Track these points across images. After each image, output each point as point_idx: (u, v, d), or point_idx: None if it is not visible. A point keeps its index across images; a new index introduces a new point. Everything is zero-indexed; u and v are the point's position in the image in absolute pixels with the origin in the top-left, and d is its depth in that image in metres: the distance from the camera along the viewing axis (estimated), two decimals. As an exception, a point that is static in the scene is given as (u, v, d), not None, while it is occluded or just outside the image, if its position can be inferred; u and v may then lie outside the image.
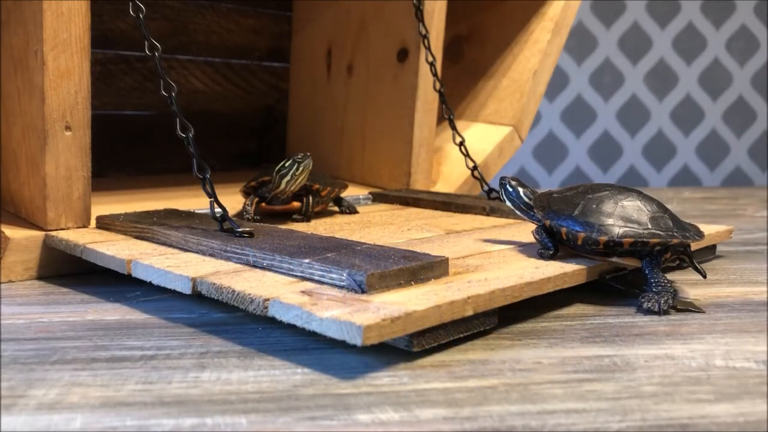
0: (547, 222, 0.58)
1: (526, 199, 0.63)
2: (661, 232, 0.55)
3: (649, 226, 0.55)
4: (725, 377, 0.42)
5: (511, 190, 0.63)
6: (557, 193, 0.60)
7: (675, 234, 0.55)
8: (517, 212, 0.64)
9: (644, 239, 0.54)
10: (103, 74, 0.97)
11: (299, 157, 0.71)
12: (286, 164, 0.71)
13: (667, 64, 1.72)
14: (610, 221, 0.55)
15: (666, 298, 0.54)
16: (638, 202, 0.57)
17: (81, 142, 0.62)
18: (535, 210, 0.60)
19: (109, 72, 0.98)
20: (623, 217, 0.55)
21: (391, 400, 0.38)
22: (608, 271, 0.58)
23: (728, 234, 0.76)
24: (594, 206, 0.56)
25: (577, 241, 0.56)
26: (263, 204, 0.74)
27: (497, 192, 0.73)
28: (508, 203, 0.64)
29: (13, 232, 0.61)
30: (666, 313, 0.54)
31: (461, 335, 0.47)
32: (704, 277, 0.59)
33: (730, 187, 1.69)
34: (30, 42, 0.61)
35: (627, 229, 0.55)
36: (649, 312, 0.55)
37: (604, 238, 0.55)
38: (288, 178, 0.71)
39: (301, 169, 0.71)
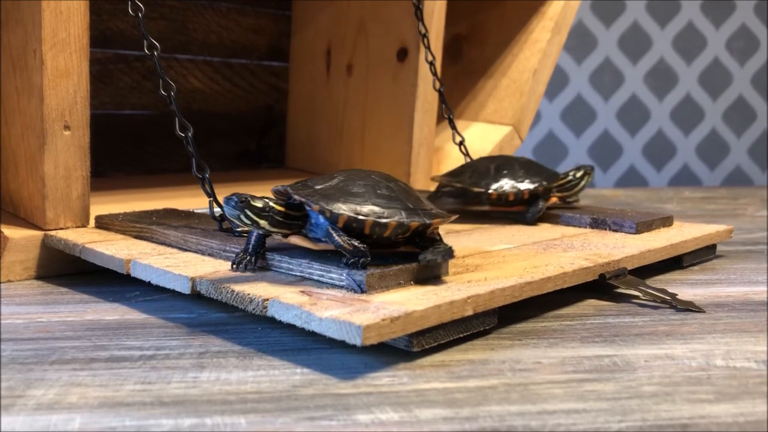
0: (343, 216, 0.48)
1: (280, 208, 0.50)
2: (436, 212, 0.53)
3: (425, 206, 0.53)
4: (725, 377, 0.42)
5: (260, 206, 0.48)
6: (313, 183, 0.52)
7: (434, 213, 0.52)
8: (274, 231, 0.50)
9: (426, 221, 0.51)
10: (102, 74, 0.97)
11: (589, 168, 0.78)
12: (577, 174, 0.77)
13: (667, 63, 1.72)
14: (396, 205, 0.51)
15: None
16: (401, 185, 0.54)
17: (80, 141, 0.62)
18: (318, 206, 0.49)
19: (108, 71, 0.97)
20: (398, 200, 0.52)
21: (390, 401, 0.38)
22: (608, 271, 0.58)
23: (728, 234, 0.76)
24: (369, 191, 0.51)
25: (364, 229, 0.49)
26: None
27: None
28: (262, 224, 0.49)
29: (11, 232, 0.61)
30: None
31: (461, 335, 0.46)
32: (433, 264, 0.51)
33: (730, 187, 1.69)
34: (29, 41, 0.61)
35: (409, 212, 0.51)
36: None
37: (394, 222, 0.49)
38: (580, 186, 0.78)
39: (588, 179, 0.78)
